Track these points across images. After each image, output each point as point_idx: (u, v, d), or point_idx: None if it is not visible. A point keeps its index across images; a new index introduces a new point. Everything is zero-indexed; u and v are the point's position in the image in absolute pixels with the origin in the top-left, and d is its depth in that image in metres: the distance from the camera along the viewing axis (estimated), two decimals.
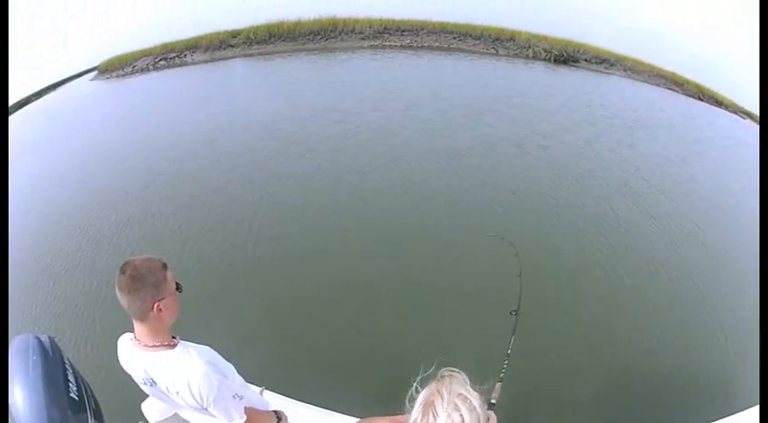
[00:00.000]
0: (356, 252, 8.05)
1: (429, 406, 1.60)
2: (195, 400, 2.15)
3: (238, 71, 17.15)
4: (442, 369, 1.71)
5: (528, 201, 9.76)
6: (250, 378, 2.66)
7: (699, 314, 7.70)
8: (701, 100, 17.37)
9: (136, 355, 2.19)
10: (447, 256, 8.02)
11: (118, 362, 2.30)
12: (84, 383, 2.09)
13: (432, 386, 1.66)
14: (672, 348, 6.97)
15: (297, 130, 11.90)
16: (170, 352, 2.16)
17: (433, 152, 11.35)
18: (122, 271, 2.01)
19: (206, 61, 17.32)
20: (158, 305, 2.06)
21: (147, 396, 2.66)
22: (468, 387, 1.67)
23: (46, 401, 1.83)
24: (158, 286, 2.06)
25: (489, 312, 4.95)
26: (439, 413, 1.57)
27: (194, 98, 14.26)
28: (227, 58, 17.50)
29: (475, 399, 1.62)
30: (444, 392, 1.60)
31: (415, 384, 1.69)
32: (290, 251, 8.05)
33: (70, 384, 1.98)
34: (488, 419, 1.71)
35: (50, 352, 1.98)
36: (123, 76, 16.81)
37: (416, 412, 1.62)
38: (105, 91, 16.27)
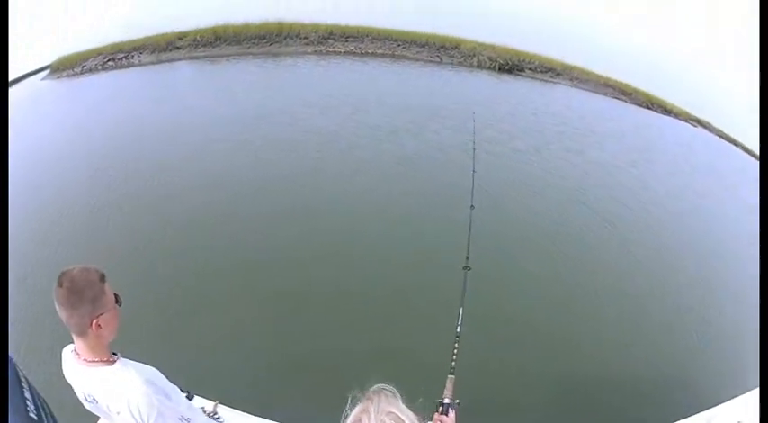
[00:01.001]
0: (304, 257, 7.69)
1: None
2: (136, 420, 2.01)
3: (185, 73, 16.49)
4: (375, 386, 1.61)
5: (478, 210, 9.26)
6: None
7: (648, 311, 7.91)
8: (650, 109, 17.28)
9: (76, 370, 2.06)
10: (393, 257, 7.91)
11: None
12: (40, 400, 1.92)
13: (360, 405, 1.56)
14: (624, 346, 7.12)
15: (245, 133, 11.43)
16: (108, 368, 2.02)
17: (381, 157, 11.05)
18: (59, 283, 1.87)
19: (152, 62, 16.62)
20: (97, 321, 1.92)
21: None
22: (400, 404, 1.56)
23: None
24: (96, 301, 1.91)
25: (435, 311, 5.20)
26: None
27: (143, 99, 13.56)
28: (173, 60, 16.88)
29: (407, 417, 1.51)
30: (372, 411, 1.51)
31: (349, 401, 1.60)
32: (233, 256, 7.62)
33: (28, 403, 1.85)
34: None
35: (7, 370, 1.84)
36: (73, 75, 15.89)
37: None
38: (57, 90, 15.33)
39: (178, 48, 17.14)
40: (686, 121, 17.44)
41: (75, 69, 15.98)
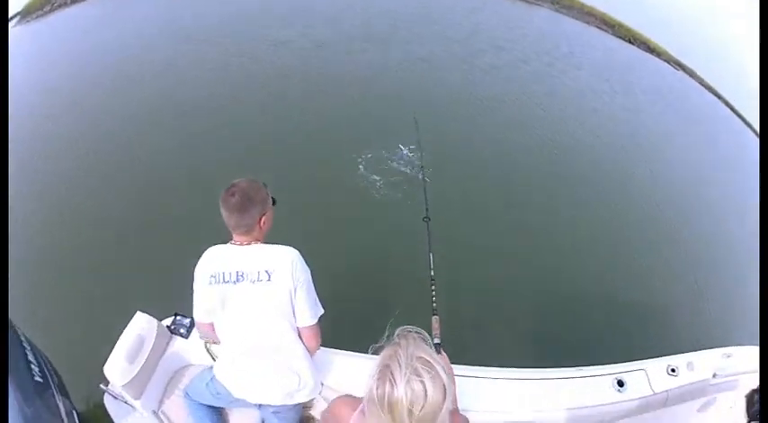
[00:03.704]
0: None
1: (385, 371, 1.40)
2: (289, 280, 2.30)
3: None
4: (401, 328, 1.55)
5: (446, 125, 9.15)
6: None
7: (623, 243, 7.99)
8: (632, 44, 16.87)
9: (232, 253, 2.38)
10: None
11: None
12: (43, 359, 2.14)
13: (388, 348, 1.47)
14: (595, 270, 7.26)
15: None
16: (264, 244, 2.42)
17: (351, 68, 10.61)
18: (231, 194, 2.29)
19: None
20: (263, 219, 2.38)
21: (108, 358, 2.63)
22: (431, 350, 1.50)
23: (16, 398, 1.85)
24: (264, 203, 2.38)
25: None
26: (397, 381, 1.37)
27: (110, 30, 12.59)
28: None
29: (439, 364, 1.42)
30: (402, 356, 1.41)
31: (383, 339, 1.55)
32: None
33: (32, 366, 2.03)
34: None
35: (9, 335, 1.97)
36: (42, 15, 14.98)
37: (372, 380, 1.43)
38: (25, 37, 14.21)
39: None
40: (668, 62, 17.06)
41: (45, 8, 15.17)
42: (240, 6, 12.89)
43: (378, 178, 7.52)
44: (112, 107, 8.79)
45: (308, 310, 2.38)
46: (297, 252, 2.39)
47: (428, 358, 1.41)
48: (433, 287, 2.97)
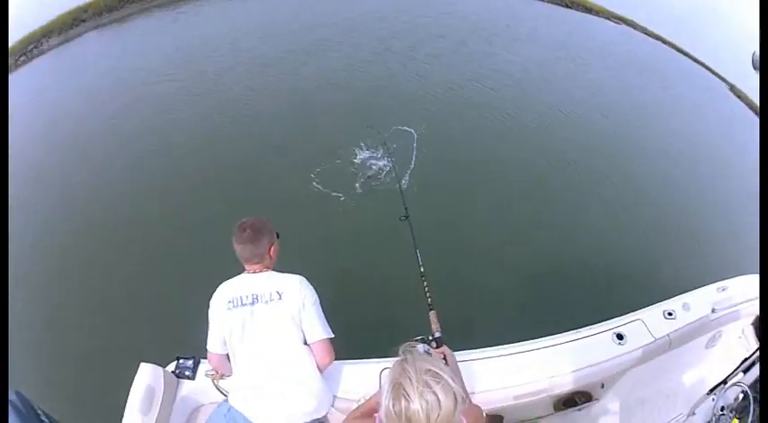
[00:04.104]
0: None
1: (398, 388, 1.50)
2: (299, 298, 2.65)
3: (91, 47, 15.31)
4: (403, 344, 1.72)
5: (404, 121, 9.16)
6: None
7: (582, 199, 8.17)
8: (570, 8, 16.97)
9: (247, 280, 2.72)
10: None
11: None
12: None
13: (396, 367, 1.57)
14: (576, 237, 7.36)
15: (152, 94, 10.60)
16: (274, 272, 2.79)
17: (303, 80, 10.67)
18: (242, 229, 2.70)
19: (61, 43, 15.41)
20: (272, 248, 2.78)
21: (124, 415, 2.68)
22: (435, 359, 1.65)
23: None
24: (270, 234, 2.79)
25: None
26: (411, 396, 1.48)
27: (54, 88, 12.50)
28: (80, 35, 15.69)
29: (446, 373, 1.52)
30: (411, 372, 1.51)
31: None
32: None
33: None
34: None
35: (23, 410, 1.95)
36: None
37: (387, 398, 1.53)
38: None
39: (84, 21, 15.98)
40: (609, 18, 17.17)
41: None
42: (182, 43, 12.88)
43: (341, 194, 7.51)
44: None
45: (319, 326, 2.68)
46: (303, 278, 2.77)
47: (435, 370, 1.52)
48: (425, 283, 3.09)
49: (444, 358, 2.50)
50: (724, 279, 3.96)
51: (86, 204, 7.68)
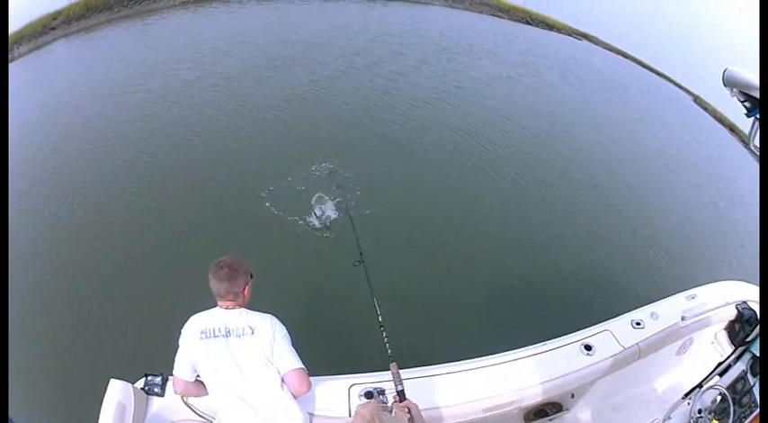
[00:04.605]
0: None
1: None
2: (270, 332, 2.76)
3: (59, 55, 15.05)
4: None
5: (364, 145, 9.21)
6: None
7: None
8: (531, 25, 17.30)
9: (220, 315, 2.79)
10: None
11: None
12: None
13: None
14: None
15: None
16: (245, 309, 2.86)
17: (267, 94, 10.54)
18: (220, 267, 2.77)
19: (30, 51, 14.99)
20: (246, 288, 2.86)
21: None
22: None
23: None
24: (246, 273, 2.86)
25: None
26: None
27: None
28: (49, 43, 15.39)
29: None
30: None
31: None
32: None
33: None
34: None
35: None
36: None
37: None
38: None
39: (53, 29, 15.70)
40: (570, 35, 17.62)
41: None
42: (145, 56, 12.70)
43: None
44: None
45: (291, 356, 2.76)
46: (273, 316, 2.86)
47: None
48: (384, 333, 3.10)
49: (409, 412, 2.54)
50: (694, 287, 4.04)
51: (48, 221, 7.39)
